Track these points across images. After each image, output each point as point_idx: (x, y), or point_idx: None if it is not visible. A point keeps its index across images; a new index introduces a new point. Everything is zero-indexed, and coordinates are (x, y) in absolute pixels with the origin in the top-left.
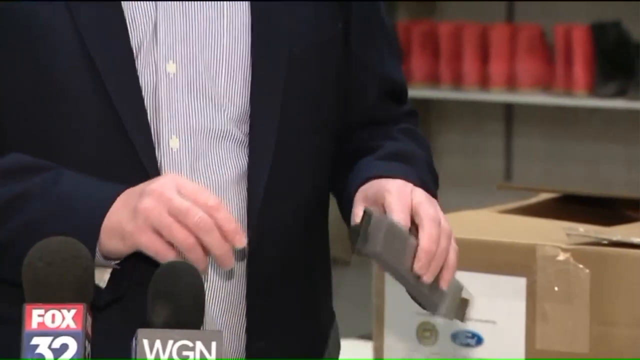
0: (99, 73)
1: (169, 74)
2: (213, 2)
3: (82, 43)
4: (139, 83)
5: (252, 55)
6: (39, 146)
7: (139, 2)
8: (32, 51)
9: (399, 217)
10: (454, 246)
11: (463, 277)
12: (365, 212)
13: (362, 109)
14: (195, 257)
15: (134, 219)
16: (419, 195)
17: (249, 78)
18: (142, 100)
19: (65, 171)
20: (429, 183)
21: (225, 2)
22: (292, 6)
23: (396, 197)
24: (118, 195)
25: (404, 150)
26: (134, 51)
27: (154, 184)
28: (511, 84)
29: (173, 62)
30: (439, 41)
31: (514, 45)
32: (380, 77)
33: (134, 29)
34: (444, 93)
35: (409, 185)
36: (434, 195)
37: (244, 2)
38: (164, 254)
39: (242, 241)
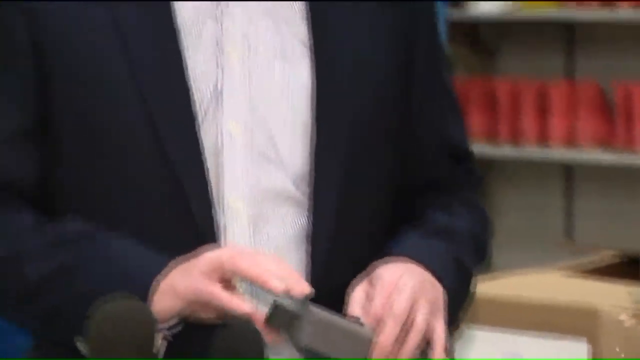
0: (161, 137)
1: (231, 135)
2: (275, 63)
3: (145, 105)
4: (199, 146)
5: (314, 116)
6: (96, 206)
7: (202, 64)
8: (93, 112)
9: (354, 311)
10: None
11: (523, 339)
12: (274, 303)
13: (423, 171)
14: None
15: (189, 276)
16: (402, 288)
17: (311, 139)
18: (202, 162)
19: (116, 240)
20: (467, 262)
21: (287, 64)
22: (354, 68)
23: (379, 287)
24: (169, 261)
25: (447, 227)
26: (197, 113)
27: (210, 253)
28: (571, 141)
29: (236, 123)
30: (497, 98)
31: (573, 102)
32: (442, 139)
33: (197, 91)
34: (502, 150)
35: (403, 275)
36: (466, 274)
37: (306, 63)
38: (226, 301)
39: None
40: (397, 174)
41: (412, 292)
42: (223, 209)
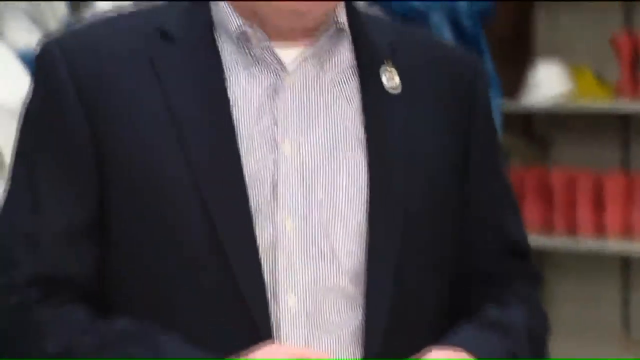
0: (217, 233)
1: (287, 230)
2: (330, 159)
3: (201, 200)
4: (256, 241)
5: (369, 212)
6: (151, 301)
7: (258, 160)
8: (150, 207)
9: None
10: None
11: None
12: None
13: (480, 266)
14: None
15: None
16: None
17: (365, 235)
18: (258, 258)
19: (165, 337)
20: (521, 355)
21: (341, 160)
22: (409, 163)
23: None
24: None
25: (503, 321)
26: (253, 209)
27: (259, 352)
28: (628, 233)
29: (292, 219)
30: (552, 189)
31: (629, 194)
32: (500, 234)
33: (253, 188)
34: (558, 241)
35: (452, 356)
36: None
37: (360, 158)
38: None
39: None
40: (452, 269)
41: None
42: (278, 305)
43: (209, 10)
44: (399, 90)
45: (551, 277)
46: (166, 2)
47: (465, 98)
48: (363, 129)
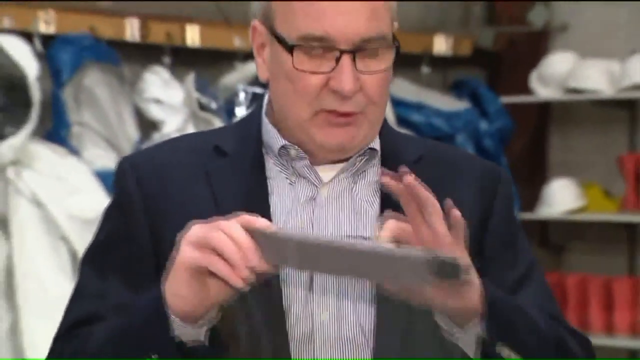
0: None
1: (322, 324)
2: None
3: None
4: (288, 337)
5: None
6: None
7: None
8: None
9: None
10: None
11: None
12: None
13: None
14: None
15: (177, 261)
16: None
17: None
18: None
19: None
20: (533, 320)
21: None
22: None
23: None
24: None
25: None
26: (288, 307)
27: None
28: (635, 330)
29: (327, 313)
30: (566, 292)
31: (636, 297)
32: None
33: (288, 286)
34: None
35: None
36: (527, 323)
37: None
38: (204, 259)
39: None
40: None
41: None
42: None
43: (258, 127)
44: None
45: None
46: (223, 125)
47: (487, 202)
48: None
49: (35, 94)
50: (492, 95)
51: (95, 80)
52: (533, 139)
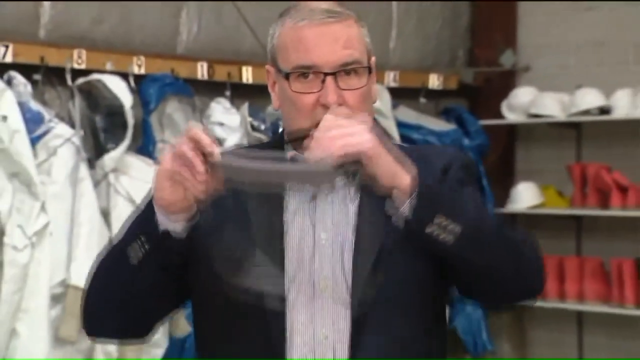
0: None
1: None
2: (339, 235)
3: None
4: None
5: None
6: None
7: (300, 242)
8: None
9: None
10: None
11: None
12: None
13: None
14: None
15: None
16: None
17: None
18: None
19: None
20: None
21: (348, 237)
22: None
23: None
24: None
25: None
26: (293, 271)
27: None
28: (581, 296)
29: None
30: None
31: (582, 272)
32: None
33: (295, 259)
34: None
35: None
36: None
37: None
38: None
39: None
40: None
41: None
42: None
43: (281, 142)
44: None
45: (528, 324)
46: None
47: (442, 169)
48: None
49: (130, 119)
50: (473, 119)
51: (174, 108)
52: (504, 152)
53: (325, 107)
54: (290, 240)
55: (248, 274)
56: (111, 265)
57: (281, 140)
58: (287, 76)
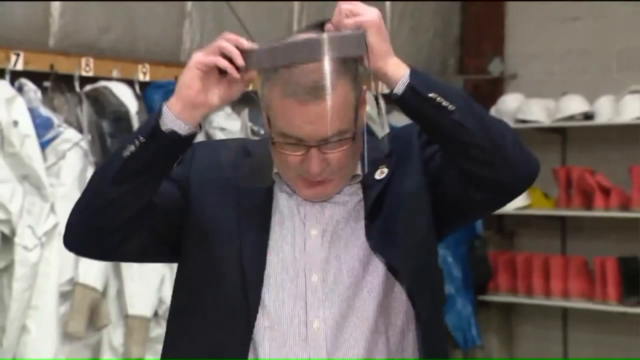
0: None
1: (312, 280)
2: (339, 231)
3: (239, 255)
4: (262, 281)
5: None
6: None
7: (293, 238)
8: (208, 248)
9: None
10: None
11: None
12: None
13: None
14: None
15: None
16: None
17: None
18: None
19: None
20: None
21: (349, 231)
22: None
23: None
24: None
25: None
26: (290, 261)
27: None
28: (566, 293)
29: (315, 272)
30: (516, 266)
31: (566, 270)
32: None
33: (284, 252)
34: (519, 299)
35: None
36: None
37: (361, 225)
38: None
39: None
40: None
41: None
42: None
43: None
44: (384, 176)
45: (515, 320)
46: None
47: (414, 150)
48: (363, 207)
49: (135, 124)
50: None
51: None
52: None
53: (309, 171)
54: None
55: (232, 249)
56: (104, 164)
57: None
58: (272, 140)
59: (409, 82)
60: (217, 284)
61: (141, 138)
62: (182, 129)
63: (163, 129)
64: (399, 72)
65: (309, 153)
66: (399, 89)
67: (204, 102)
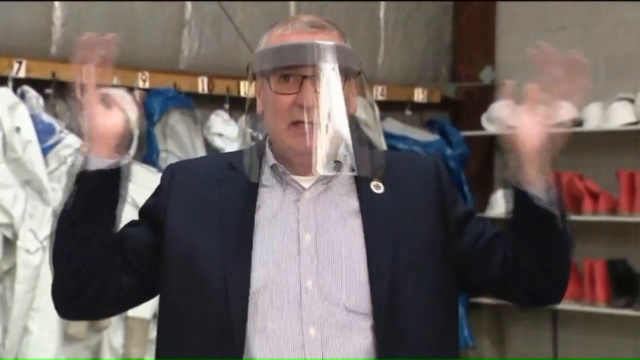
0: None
1: (307, 286)
2: (336, 239)
3: (223, 271)
4: (248, 295)
5: (367, 263)
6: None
7: (285, 246)
8: (189, 270)
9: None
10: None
11: None
12: None
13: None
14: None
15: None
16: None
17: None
18: (247, 299)
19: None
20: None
21: (344, 239)
22: (395, 231)
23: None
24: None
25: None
26: (283, 269)
27: None
28: None
29: (311, 279)
30: None
31: None
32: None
33: (282, 260)
34: None
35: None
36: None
37: (359, 234)
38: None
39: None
40: (449, 284)
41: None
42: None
43: (263, 150)
44: (381, 191)
45: (507, 321)
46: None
47: (435, 181)
48: (360, 217)
49: (135, 130)
50: (455, 130)
51: (176, 120)
52: (484, 161)
53: (301, 107)
54: (265, 240)
55: (214, 272)
56: (55, 231)
57: (264, 145)
58: (269, 72)
59: (551, 199)
60: (202, 304)
61: (76, 187)
62: (107, 164)
63: (93, 169)
64: (539, 182)
65: (302, 86)
66: (548, 197)
67: (115, 131)
